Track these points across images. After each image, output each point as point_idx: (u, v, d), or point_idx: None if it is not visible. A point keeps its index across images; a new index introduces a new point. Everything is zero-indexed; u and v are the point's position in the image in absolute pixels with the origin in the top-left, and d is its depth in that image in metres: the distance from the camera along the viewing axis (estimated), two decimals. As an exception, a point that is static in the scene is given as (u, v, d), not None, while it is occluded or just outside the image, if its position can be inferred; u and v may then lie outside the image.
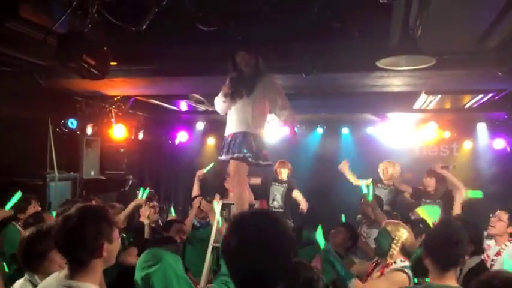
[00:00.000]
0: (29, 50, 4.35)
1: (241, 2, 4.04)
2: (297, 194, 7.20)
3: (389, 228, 3.36)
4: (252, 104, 4.16)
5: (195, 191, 6.12)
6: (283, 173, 7.27)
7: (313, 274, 2.49)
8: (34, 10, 3.53)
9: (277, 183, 7.33)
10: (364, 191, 5.21)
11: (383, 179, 6.61)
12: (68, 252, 2.03)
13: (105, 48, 3.21)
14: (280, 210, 7.16)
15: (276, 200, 7.24)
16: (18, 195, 4.51)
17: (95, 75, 3.10)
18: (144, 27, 3.25)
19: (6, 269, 3.30)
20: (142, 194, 5.06)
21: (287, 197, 7.23)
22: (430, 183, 6.13)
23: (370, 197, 5.08)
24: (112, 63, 3.74)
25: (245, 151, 4.01)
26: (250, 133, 4.08)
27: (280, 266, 1.57)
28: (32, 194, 5.01)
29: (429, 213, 5.07)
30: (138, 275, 2.26)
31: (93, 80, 3.27)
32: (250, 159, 4.02)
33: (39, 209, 4.78)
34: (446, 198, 5.88)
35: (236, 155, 4.05)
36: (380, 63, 3.05)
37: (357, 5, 3.93)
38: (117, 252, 2.15)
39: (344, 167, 6.94)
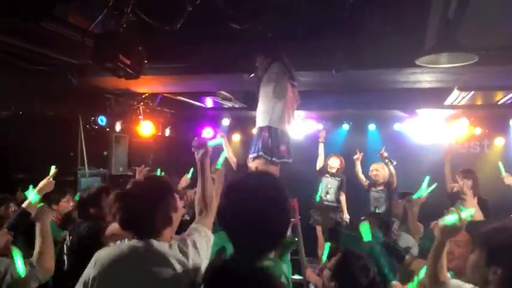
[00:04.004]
0: (63, 48, 4.43)
1: (271, -2, 4.03)
2: (343, 200, 7.21)
3: (435, 230, 3.26)
4: (262, 98, 4.14)
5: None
6: (334, 165, 7.20)
7: (366, 261, 2.48)
8: (69, 10, 3.59)
9: (329, 176, 7.22)
10: (424, 185, 4.18)
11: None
12: (141, 227, 2.07)
13: (140, 47, 3.23)
14: (334, 204, 7.12)
15: (330, 194, 7.15)
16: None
17: (130, 74, 3.13)
18: (178, 26, 3.26)
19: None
20: None
21: (339, 193, 7.20)
22: (467, 184, 5.46)
23: (425, 194, 4.13)
24: (143, 62, 3.78)
25: (259, 150, 3.98)
26: (265, 127, 4.02)
27: (274, 233, 1.60)
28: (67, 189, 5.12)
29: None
30: (212, 251, 2.29)
31: (127, 79, 3.30)
32: (266, 157, 3.97)
33: (72, 203, 4.87)
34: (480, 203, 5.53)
35: (251, 155, 4.06)
36: (419, 61, 2.98)
37: (390, 1, 3.88)
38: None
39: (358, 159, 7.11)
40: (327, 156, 7.38)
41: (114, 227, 3.22)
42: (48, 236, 2.90)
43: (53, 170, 3.60)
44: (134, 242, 2.07)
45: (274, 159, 4.00)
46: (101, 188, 3.64)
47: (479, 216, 3.55)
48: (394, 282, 2.99)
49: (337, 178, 7.22)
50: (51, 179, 3.60)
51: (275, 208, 1.59)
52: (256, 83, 4.25)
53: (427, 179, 4.14)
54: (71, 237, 3.50)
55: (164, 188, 2.14)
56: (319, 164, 7.32)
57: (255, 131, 4.25)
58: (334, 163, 7.23)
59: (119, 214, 2.07)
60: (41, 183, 3.61)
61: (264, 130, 4.04)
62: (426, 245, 3.22)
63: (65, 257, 3.51)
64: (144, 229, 2.05)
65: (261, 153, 3.98)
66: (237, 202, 1.60)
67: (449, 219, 2.26)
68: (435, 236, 3.11)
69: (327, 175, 7.23)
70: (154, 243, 2.02)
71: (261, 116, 4.13)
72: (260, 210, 1.56)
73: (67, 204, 4.87)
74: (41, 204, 3.06)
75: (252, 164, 4.66)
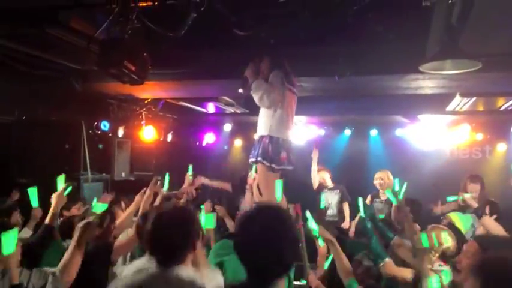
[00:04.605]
0: (67, 54, 4.45)
1: (274, 4, 4.04)
2: (346, 209, 7.07)
3: (433, 232, 3.29)
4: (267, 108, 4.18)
5: (248, 200, 5.73)
6: (327, 179, 7.13)
7: None
8: (72, 16, 3.62)
9: (327, 190, 7.12)
10: (396, 188, 4.33)
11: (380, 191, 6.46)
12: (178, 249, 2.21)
13: (144, 53, 3.26)
14: (335, 219, 7.00)
15: (331, 208, 7.02)
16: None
17: (135, 80, 3.15)
18: (183, 32, 3.28)
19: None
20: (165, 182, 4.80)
21: (340, 205, 7.07)
22: (476, 188, 5.57)
23: (401, 197, 4.21)
24: (147, 67, 3.80)
25: (258, 155, 4.06)
26: (266, 136, 4.10)
27: (281, 261, 1.72)
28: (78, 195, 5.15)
29: (462, 221, 4.86)
30: (212, 261, 2.38)
31: (132, 85, 3.32)
32: (266, 163, 4.04)
33: (82, 209, 4.89)
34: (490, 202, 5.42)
35: (250, 159, 4.15)
36: (423, 68, 3.00)
37: (392, 7, 3.89)
38: None
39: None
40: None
41: (119, 240, 3.36)
42: (82, 249, 2.84)
43: (60, 183, 3.54)
44: (156, 270, 2.15)
45: (273, 165, 4.06)
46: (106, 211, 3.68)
47: (496, 228, 3.58)
48: (387, 260, 3.01)
49: (335, 191, 7.14)
50: (65, 193, 3.55)
51: (285, 241, 1.73)
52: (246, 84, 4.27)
53: (396, 181, 4.27)
54: None
55: (191, 217, 2.33)
56: (315, 182, 7.22)
57: (256, 136, 4.30)
58: (326, 176, 7.19)
59: (151, 239, 2.24)
60: (54, 201, 3.52)
61: (265, 137, 4.11)
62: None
63: None
64: (172, 255, 2.18)
65: (259, 158, 4.05)
66: (251, 234, 1.74)
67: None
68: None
69: (325, 190, 7.15)
70: (178, 270, 2.12)
71: (262, 124, 4.19)
72: (272, 242, 1.70)
73: (78, 211, 4.88)
74: (93, 219, 2.97)
75: (251, 180, 4.69)
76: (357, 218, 6.28)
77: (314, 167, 7.24)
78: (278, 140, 4.11)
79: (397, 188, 4.27)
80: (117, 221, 3.91)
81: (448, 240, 3.25)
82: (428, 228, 3.49)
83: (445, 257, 3.22)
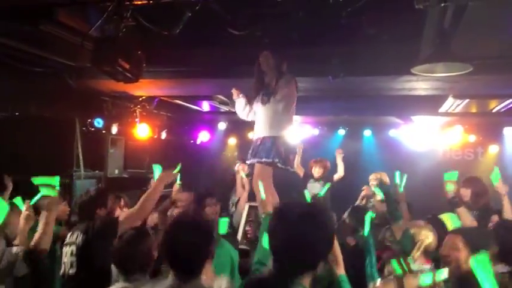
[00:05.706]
0: (61, 51, 4.44)
1: (269, 5, 4.06)
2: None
3: (412, 231, 3.32)
4: (276, 107, 4.17)
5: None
6: (317, 172, 7.12)
7: None
8: (68, 14, 3.61)
9: (313, 181, 7.13)
10: (397, 180, 4.31)
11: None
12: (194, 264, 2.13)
13: (139, 52, 3.26)
14: None
15: (317, 199, 7.05)
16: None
17: (129, 78, 3.15)
18: (178, 30, 3.29)
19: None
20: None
21: (327, 194, 6.91)
22: (466, 193, 5.69)
23: (402, 189, 4.29)
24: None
25: (274, 156, 4.03)
26: (279, 137, 4.08)
27: (313, 255, 1.75)
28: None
29: (451, 220, 4.89)
30: None
31: (126, 83, 3.32)
32: (279, 165, 4.04)
33: (68, 207, 4.83)
34: (484, 210, 5.42)
35: (264, 159, 4.07)
36: (415, 70, 3.02)
37: (386, 9, 3.92)
38: None
39: None
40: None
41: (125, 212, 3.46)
42: (52, 223, 3.17)
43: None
44: (173, 282, 2.08)
45: (288, 167, 4.11)
46: (106, 189, 3.72)
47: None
48: (378, 284, 3.01)
49: (320, 182, 7.18)
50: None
51: (318, 234, 1.75)
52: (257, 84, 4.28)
53: (397, 174, 4.28)
54: (84, 235, 3.30)
55: (210, 230, 2.25)
56: (299, 172, 7.21)
57: (261, 136, 4.21)
58: (318, 172, 7.15)
59: (167, 249, 2.14)
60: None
61: (277, 139, 4.07)
62: (406, 247, 3.27)
63: (70, 261, 3.30)
64: (191, 270, 2.10)
65: (276, 160, 4.02)
66: (287, 224, 1.77)
67: (424, 280, 2.32)
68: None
69: (311, 180, 7.15)
70: (195, 283, 2.08)
71: (274, 124, 4.13)
72: (305, 234, 1.73)
73: (64, 208, 4.81)
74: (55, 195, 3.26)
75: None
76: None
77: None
78: (288, 142, 4.14)
79: (397, 181, 4.32)
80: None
81: (428, 236, 3.28)
82: (407, 226, 3.52)
83: (427, 253, 3.25)
